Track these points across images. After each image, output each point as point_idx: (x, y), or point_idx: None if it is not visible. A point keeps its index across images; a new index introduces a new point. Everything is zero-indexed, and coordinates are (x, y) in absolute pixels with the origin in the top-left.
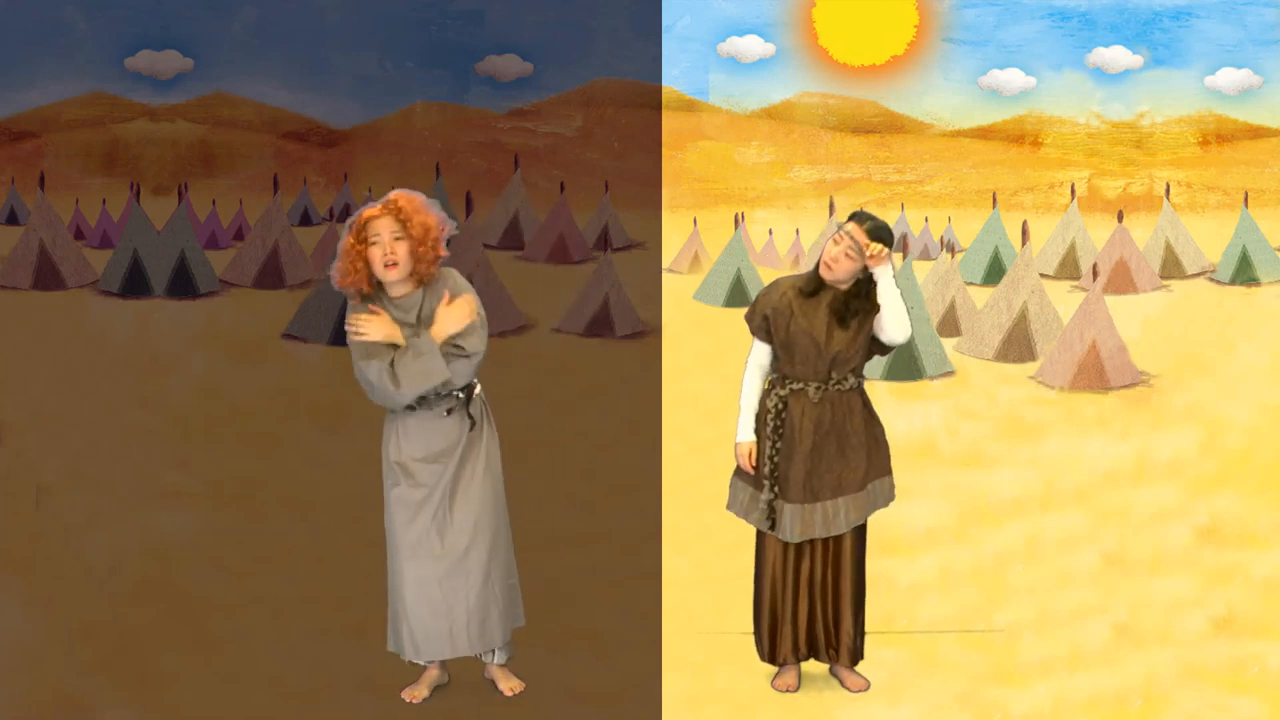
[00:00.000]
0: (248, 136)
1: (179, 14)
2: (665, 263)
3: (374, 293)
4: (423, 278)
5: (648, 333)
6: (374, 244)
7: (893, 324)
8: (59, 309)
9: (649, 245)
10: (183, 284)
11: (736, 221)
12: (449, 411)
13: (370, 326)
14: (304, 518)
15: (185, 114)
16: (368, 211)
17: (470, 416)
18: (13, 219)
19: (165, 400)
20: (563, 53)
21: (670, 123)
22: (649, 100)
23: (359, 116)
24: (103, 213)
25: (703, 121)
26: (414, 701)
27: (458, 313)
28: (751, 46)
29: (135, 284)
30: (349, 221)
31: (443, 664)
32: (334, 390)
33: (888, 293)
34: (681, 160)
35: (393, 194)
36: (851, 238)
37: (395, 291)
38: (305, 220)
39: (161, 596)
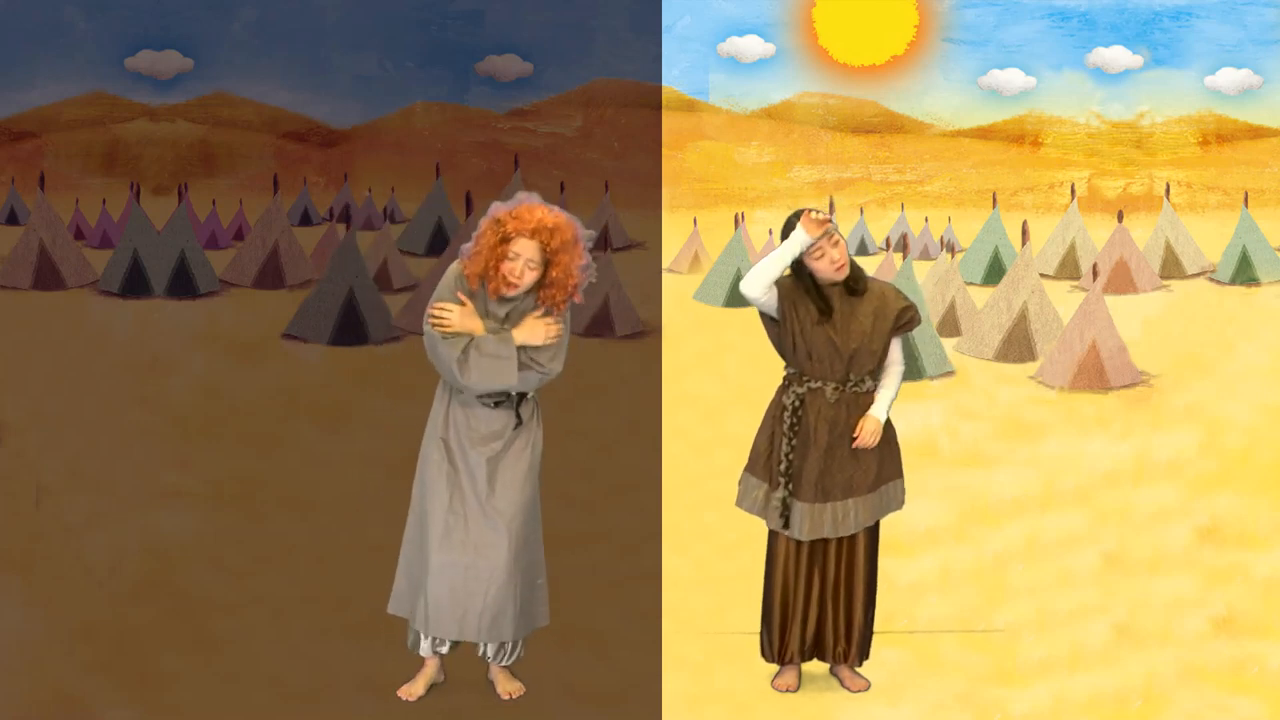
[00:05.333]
0: (248, 136)
1: (179, 14)
2: (665, 263)
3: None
4: (538, 300)
5: (648, 333)
6: (511, 259)
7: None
8: (59, 309)
9: (649, 245)
10: (183, 284)
11: (736, 221)
12: (496, 404)
13: (454, 317)
14: (304, 518)
15: (185, 114)
16: (516, 225)
17: (518, 415)
18: (13, 219)
19: (165, 400)
20: (563, 53)
21: (670, 123)
22: (649, 100)
23: (359, 116)
24: (103, 213)
25: (703, 121)
26: (410, 699)
27: (546, 329)
28: (751, 46)
29: (135, 284)
30: (498, 214)
31: (441, 662)
32: (334, 390)
33: (887, 391)
34: (681, 160)
35: (552, 218)
36: (824, 227)
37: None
38: (305, 220)
39: (161, 596)
